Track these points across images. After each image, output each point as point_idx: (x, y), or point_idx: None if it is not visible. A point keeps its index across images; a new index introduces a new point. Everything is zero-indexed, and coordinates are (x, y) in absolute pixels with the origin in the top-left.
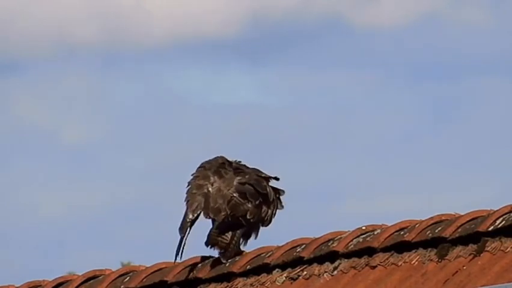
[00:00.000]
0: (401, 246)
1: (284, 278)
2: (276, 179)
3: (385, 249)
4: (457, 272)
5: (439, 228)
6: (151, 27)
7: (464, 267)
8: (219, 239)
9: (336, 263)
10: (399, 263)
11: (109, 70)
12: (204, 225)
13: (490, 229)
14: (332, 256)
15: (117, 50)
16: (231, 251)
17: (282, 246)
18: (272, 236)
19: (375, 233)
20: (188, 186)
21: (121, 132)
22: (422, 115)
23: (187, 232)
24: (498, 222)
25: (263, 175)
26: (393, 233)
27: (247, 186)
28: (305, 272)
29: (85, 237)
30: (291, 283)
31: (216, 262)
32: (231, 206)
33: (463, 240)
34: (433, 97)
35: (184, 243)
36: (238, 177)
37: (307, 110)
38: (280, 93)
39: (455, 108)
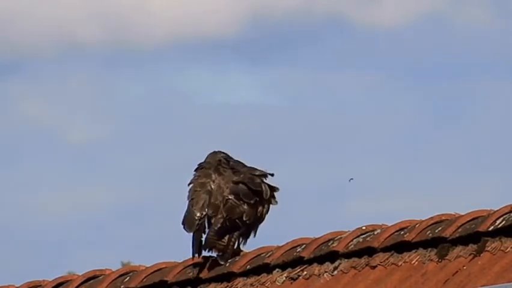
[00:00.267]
0: (401, 246)
1: (284, 278)
2: (271, 175)
3: (385, 249)
4: (457, 272)
5: (439, 228)
6: (152, 27)
7: (464, 267)
8: (217, 242)
9: (336, 263)
10: (399, 263)
11: (110, 70)
12: None
13: (490, 229)
14: (332, 256)
15: (118, 50)
16: (229, 253)
17: (282, 246)
18: (272, 236)
19: (375, 233)
20: (190, 184)
21: (122, 132)
22: (422, 115)
23: (200, 230)
24: (498, 222)
25: (257, 173)
26: (393, 233)
27: (241, 186)
28: (305, 272)
29: (86, 237)
30: (291, 283)
31: (216, 262)
32: (227, 209)
33: (463, 240)
34: (434, 97)
35: (201, 241)
36: (235, 177)
37: (307, 110)
38: (281, 93)
39: (456, 108)
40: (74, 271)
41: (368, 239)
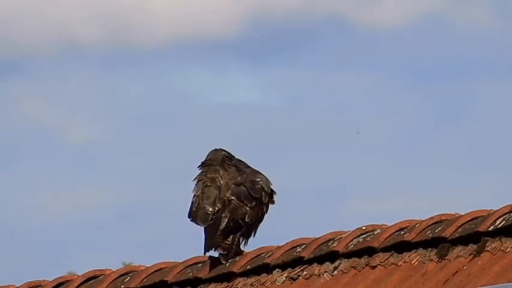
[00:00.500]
0: (401, 246)
1: (284, 278)
2: (273, 192)
3: (385, 249)
4: (457, 272)
5: (439, 228)
6: (152, 27)
7: (464, 267)
8: (223, 241)
9: (336, 263)
10: (399, 263)
11: (110, 70)
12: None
13: (490, 229)
14: (332, 256)
15: (118, 50)
16: (233, 252)
17: (282, 246)
18: (272, 236)
19: (375, 233)
20: (199, 180)
21: (122, 132)
22: (422, 115)
23: (215, 224)
24: (498, 222)
25: (258, 179)
26: (393, 233)
27: (242, 188)
28: (305, 272)
29: (86, 237)
30: (291, 283)
31: (216, 262)
32: (230, 210)
33: (463, 240)
34: (434, 97)
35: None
36: (238, 177)
37: (307, 110)
38: (281, 93)
39: (456, 108)
40: (74, 271)
41: (368, 239)
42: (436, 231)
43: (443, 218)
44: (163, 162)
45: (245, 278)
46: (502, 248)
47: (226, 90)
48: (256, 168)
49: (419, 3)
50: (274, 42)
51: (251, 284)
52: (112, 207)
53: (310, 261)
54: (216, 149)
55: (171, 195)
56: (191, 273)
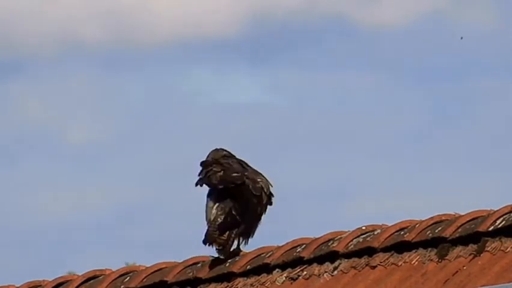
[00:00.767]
0: (401, 246)
1: (284, 278)
2: (271, 195)
3: (385, 249)
4: (457, 272)
5: (439, 228)
6: (153, 27)
7: (464, 267)
8: (218, 237)
9: (336, 263)
10: (399, 263)
11: (111, 70)
12: (201, 224)
13: (490, 229)
14: (332, 256)
15: (119, 50)
16: (229, 247)
17: (282, 246)
18: (272, 236)
19: (375, 233)
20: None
21: (123, 133)
22: (424, 115)
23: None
24: (498, 222)
25: (259, 179)
26: (393, 233)
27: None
28: (305, 272)
29: (87, 237)
30: (291, 283)
31: (216, 262)
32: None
33: (463, 240)
34: (434, 97)
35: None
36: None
37: (308, 110)
38: (282, 93)
39: (456, 108)
40: (74, 271)
41: (368, 239)
42: (436, 231)
43: (443, 218)
44: (164, 162)
45: (245, 278)
46: (502, 248)
47: (227, 90)
48: (257, 169)
49: (420, 3)
50: (275, 42)
51: (251, 284)
52: (112, 207)
53: (310, 261)
54: (216, 149)
55: (172, 195)
56: (191, 273)
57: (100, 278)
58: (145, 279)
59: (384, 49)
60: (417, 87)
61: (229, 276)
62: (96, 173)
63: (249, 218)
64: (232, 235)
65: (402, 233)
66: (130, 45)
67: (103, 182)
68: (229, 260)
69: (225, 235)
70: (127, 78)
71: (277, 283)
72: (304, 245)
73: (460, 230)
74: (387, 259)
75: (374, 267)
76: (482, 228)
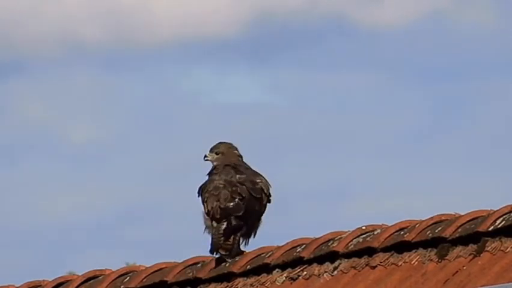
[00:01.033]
0: (401, 246)
1: (284, 278)
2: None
3: (385, 249)
4: (457, 272)
5: (439, 228)
6: (155, 27)
7: (464, 267)
8: (223, 243)
9: (336, 263)
10: (399, 263)
11: (112, 70)
12: (201, 224)
13: (490, 229)
14: (332, 256)
15: (121, 49)
16: (235, 250)
17: (282, 246)
18: (272, 236)
19: (375, 233)
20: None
21: (124, 133)
22: (424, 115)
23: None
24: (498, 222)
25: (258, 180)
26: (393, 233)
27: (243, 187)
28: (305, 272)
29: (87, 237)
30: (291, 283)
31: (217, 262)
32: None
33: (463, 240)
34: (434, 97)
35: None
36: (237, 175)
37: (309, 110)
38: (283, 93)
39: (456, 108)
40: (74, 271)
41: (368, 239)
42: (436, 231)
43: (443, 218)
44: (164, 162)
45: (245, 278)
46: (502, 248)
47: (227, 90)
48: (257, 170)
49: (420, 3)
50: (275, 42)
51: (251, 284)
52: (112, 207)
53: (310, 261)
54: (227, 146)
55: (172, 195)
56: (191, 273)
57: (100, 278)
58: (145, 279)
59: (384, 49)
60: (417, 87)
61: (229, 276)
62: (96, 173)
63: (251, 219)
64: (237, 237)
65: (402, 233)
66: (130, 45)
67: (103, 182)
68: (229, 260)
69: (230, 240)
70: (127, 78)
71: (277, 283)
72: (304, 245)
73: (460, 230)
74: (387, 259)
75: (374, 267)
76: (482, 228)
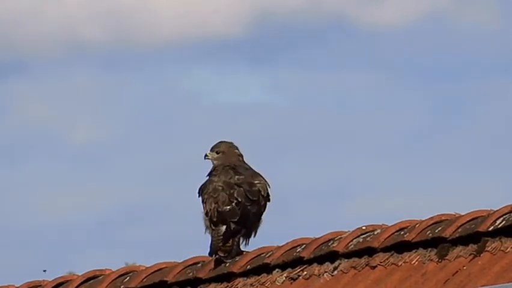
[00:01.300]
0: (401, 246)
1: (284, 278)
2: (268, 195)
3: (385, 249)
4: (457, 272)
5: (439, 228)
6: (156, 27)
7: (464, 267)
8: (222, 245)
9: (336, 263)
10: (400, 263)
11: (113, 70)
12: (201, 224)
13: (490, 229)
14: (332, 256)
15: (121, 49)
16: (234, 252)
17: (282, 246)
18: (272, 236)
19: (375, 233)
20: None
21: (126, 133)
22: (424, 115)
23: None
24: (498, 222)
25: (256, 182)
26: (393, 233)
27: (239, 189)
28: (305, 272)
29: (87, 237)
30: (291, 283)
31: (216, 262)
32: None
33: (463, 240)
34: (435, 97)
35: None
36: (235, 176)
37: (310, 110)
38: (284, 93)
39: (457, 108)
40: (74, 271)
41: (368, 239)
42: (436, 231)
43: (443, 218)
44: (164, 162)
45: (245, 278)
46: (502, 248)
47: (228, 90)
48: (257, 169)
49: (420, 3)
50: (275, 42)
51: (251, 284)
52: (112, 207)
53: (310, 261)
54: (228, 145)
55: (172, 195)
56: (191, 273)
57: (100, 278)
58: (145, 279)
59: (384, 49)
60: (417, 87)
61: (229, 276)
62: (96, 173)
63: (249, 221)
64: (236, 239)
65: (402, 233)
66: (131, 45)
67: (103, 182)
68: (229, 260)
69: (229, 242)
70: (127, 78)
71: (277, 283)
72: (304, 245)
73: (460, 230)
74: (387, 259)
75: (374, 267)
76: (482, 228)
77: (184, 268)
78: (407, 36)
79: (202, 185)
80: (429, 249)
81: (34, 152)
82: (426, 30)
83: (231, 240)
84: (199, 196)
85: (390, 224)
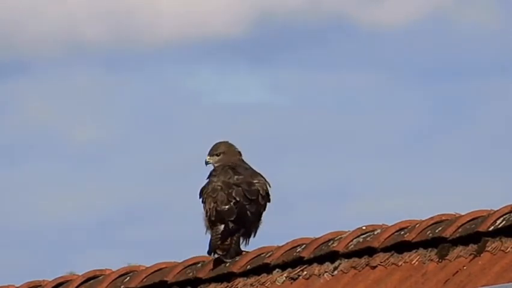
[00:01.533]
0: (401, 246)
1: (284, 278)
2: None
3: (385, 249)
4: (457, 272)
5: (439, 228)
6: (157, 27)
7: (465, 267)
8: (220, 244)
9: (336, 263)
10: (400, 263)
11: (113, 70)
12: (201, 224)
13: (490, 229)
14: (332, 256)
15: (122, 49)
16: (233, 251)
17: (282, 246)
18: (272, 236)
19: (375, 233)
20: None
21: (126, 133)
22: (424, 115)
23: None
24: (498, 222)
25: (255, 181)
26: (394, 233)
27: (238, 189)
28: (305, 272)
29: (87, 237)
30: (291, 283)
31: (216, 262)
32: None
33: (463, 240)
34: (435, 97)
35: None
36: (235, 176)
37: (311, 110)
38: (284, 93)
39: (457, 108)
40: (74, 271)
41: (368, 239)
42: (436, 231)
43: (443, 218)
44: (164, 162)
45: (245, 278)
46: (502, 248)
47: (228, 90)
48: (257, 169)
49: (420, 3)
50: (276, 42)
51: (251, 284)
52: (112, 207)
53: (310, 261)
54: (228, 146)
55: (172, 195)
56: (191, 273)
57: (100, 278)
58: (145, 279)
59: (384, 49)
60: (417, 87)
61: (229, 276)
62: (96, 173)
63: (248, 221)
64: (235, 238)
65: (402, 233)
66: (131, 45)
67: (103, 182)
68: (229, 260)
69: (227, 241)
70: (128, 78)
71: (277, 283)
72: (304, 245)
73: (460, 230)
74: (387, 259)
75: (374, 267)
76: (482, 228)
77: (184, 268)
78: (407, 36)
79: (203, 187)
80: (430, 249)
81: (34, 152)
82: (426, 30)
83: (229, 238)
84: (200, 198)
85: (390, 224)
